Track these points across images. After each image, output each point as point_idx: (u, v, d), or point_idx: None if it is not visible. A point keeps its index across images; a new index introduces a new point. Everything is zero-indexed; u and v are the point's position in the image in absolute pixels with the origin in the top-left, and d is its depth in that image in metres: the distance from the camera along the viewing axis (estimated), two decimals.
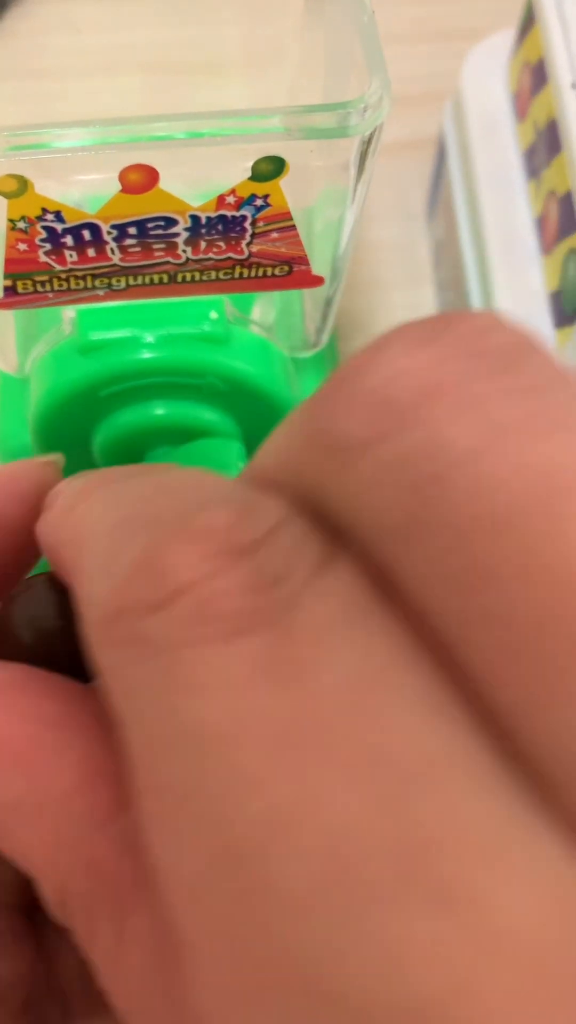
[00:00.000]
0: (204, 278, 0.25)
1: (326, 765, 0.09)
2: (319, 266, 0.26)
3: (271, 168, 0.22)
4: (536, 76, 0.36)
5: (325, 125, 0.22)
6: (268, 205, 0.23)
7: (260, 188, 0.23)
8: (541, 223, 0.35)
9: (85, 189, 0.23)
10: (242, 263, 0.25)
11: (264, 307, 0.29)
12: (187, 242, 0.24)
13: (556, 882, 0.09)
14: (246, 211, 0.23)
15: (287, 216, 0.23)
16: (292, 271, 0.26)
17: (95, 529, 0.13)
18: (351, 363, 0.12)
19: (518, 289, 0.34)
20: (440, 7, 0.49)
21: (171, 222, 0.23)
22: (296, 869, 0.09)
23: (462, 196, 0.39)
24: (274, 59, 0.32)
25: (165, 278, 0.25)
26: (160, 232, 0.23)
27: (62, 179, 0.23)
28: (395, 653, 0.10)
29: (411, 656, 0.10)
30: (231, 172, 0.23)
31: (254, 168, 0.22)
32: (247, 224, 0.24)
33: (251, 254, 0.25)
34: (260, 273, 0.26)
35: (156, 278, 0.25)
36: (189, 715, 0.10)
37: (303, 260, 0.25)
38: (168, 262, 0.25)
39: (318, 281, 0.26)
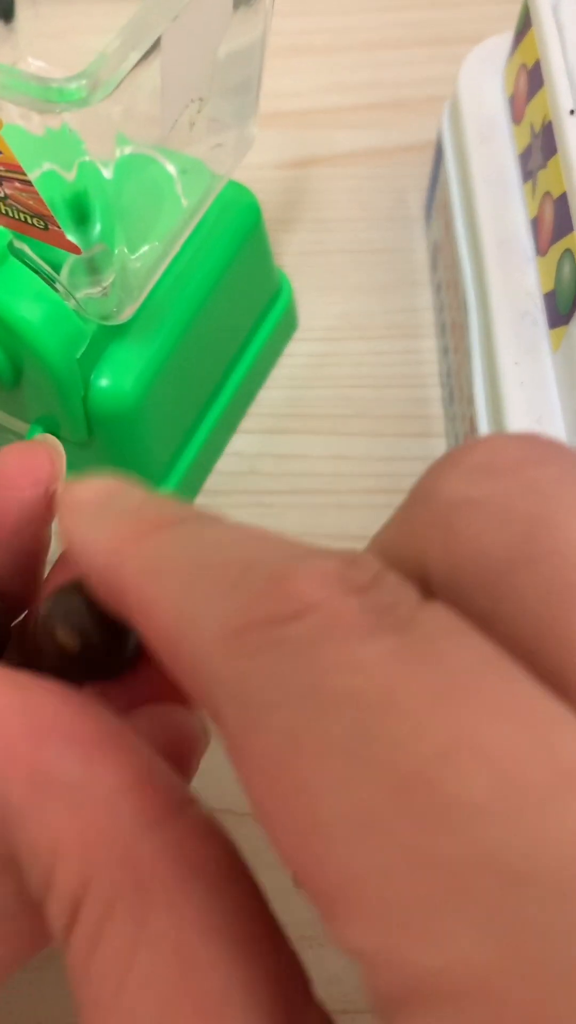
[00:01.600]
0: None
1: (477, 713, 0.12)
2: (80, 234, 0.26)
3: None
4: (532, 79, 0.34)
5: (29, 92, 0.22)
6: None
7: None
8: (537, 224, 0.34)
9: None
10: (2, 200, 0.26)
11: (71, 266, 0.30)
12: None
13: None
14: None
15: (18, 169, 0.24)
16: (48, 228, 0.26)
17: (184, 564, 0.14)
18: (452, 451, 0.15)
19: (514, 290, 0.34)
20: (438, 13, 0.47)
21: None
22: (473, 783, 0.11)
23: (459, 198, 0.38)
24: None
25: None
26: None
27: None
28: (501, 652, 0.13)
29: (512, 659, 0.13)
30: None
31: None
32: None
33: (7, 194, 0.25)
34: (21, 218, 0.26)
35: None
36: (349, 687, 0.12)
37: (53, 221, 0.25)
38: None
39: (73, 248, 0.26)
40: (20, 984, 0.31)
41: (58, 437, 0.21)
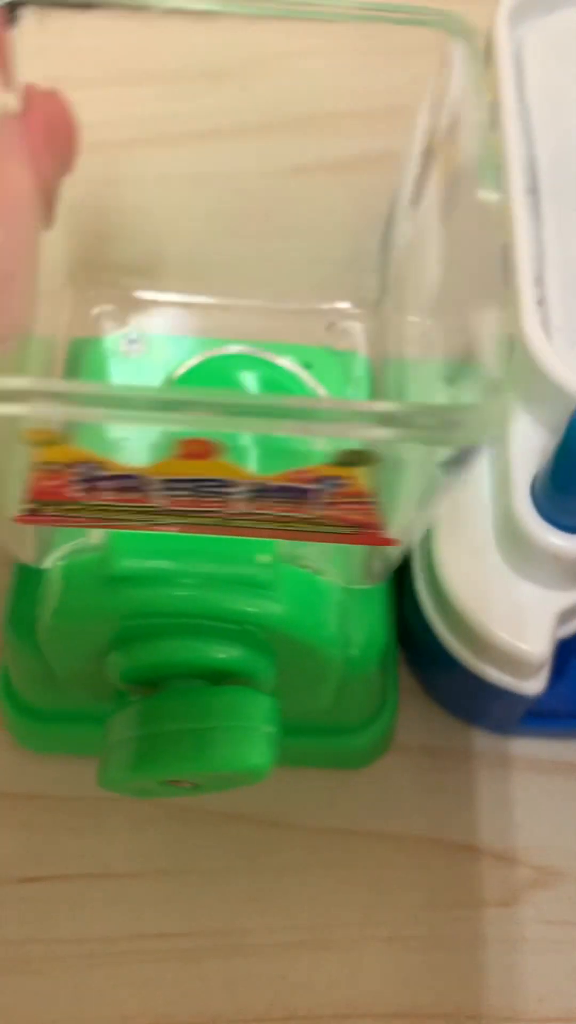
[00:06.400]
0: (259, 527, 0.22)
1: None
2: (393, 529, 0.23)
3: (359, 459, 0.19)
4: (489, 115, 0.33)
5: (428, 429, 0.18)
6: (347, 485, 0.20)
7: (342, 472, 0.19)
8: None
9: None
10: (305, 520, 0.22)
11: None
12: (248, 500, 0.21)
13: None
14: (322, 486, 0.20)
15: (368, 495, 0.20)
16: (359, 532, 0.22)
17: None
18: None
19: None
20: None
21: (229, 483, 0.20)
22: None
23: None
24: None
25: (217, 522, 0.22)
26: (215, 489, 0.20)
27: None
28: None
29: None
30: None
31: (340, 456, 0.19)
32: (322, 497, 0.20)
33: (319, 516, 0.22)
34: (324, 530, 0.22)
35: (206, 521, 0.22)
36: None
37: (375, 525, 0.22)
38: (221, 511, 0.21)
39: (389, 542, 0.23)
40: (26, 983, 0.32)
41: None
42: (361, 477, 0.19)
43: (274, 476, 0.20)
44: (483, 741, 0.35)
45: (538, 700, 0.32)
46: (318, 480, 0.20)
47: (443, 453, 0.19)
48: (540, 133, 0.32)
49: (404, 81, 0.24)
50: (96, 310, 0.30)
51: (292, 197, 0.28)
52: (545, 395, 0.29)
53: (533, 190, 0.31)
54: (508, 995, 0.32)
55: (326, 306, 0.31)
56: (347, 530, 0.22)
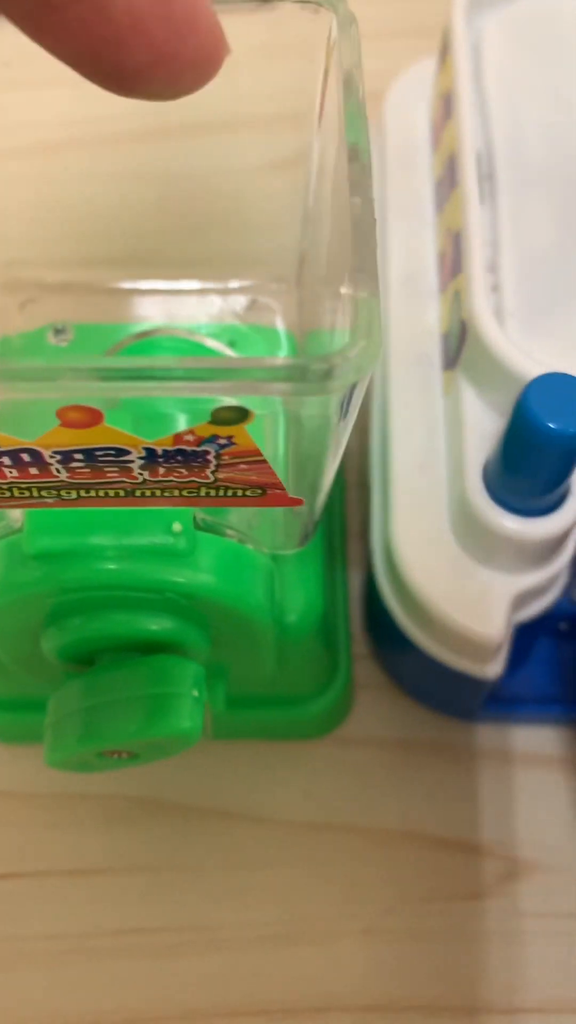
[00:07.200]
0: (166, 495, 0.23)
1: None
2: (300, 487, 0.23)
3: (233, 416, 0.19)
4: (447, 106, 0.33)
5: (296, 382, 0.18)
6: (233, 444, 0.20)
7: (222, 430, 0.20)
8: (442, 259, 0.33)
9: None
10: (208, 486, 0.22)
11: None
12: (143, 468, 0.21)
13: None
14: (208, 447, 0.20)
15: (256, 452, 0.21)
16: (266, 493, 0.23)
17: None
18: None
19: (413, 328, 0.33)
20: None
21: (122, 452, 0.20)
22: None
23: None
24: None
25: (122, 492, 0.22)
26: (111, 459, 0.21)
27: None
28: None
29: None
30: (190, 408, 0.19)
31: (213, 414, 0.19)
32: (210, 457, 0.21)
33: (218, 479, 0.22)
34: (229, 494, 0.23)
35: (112, 492, 0.22)
36: None
37: (278, 486, 0.22)
38: (123, 482, 0.22)
39: (296, 502, 0.23)
40: (37, 978, 0.32)
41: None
42: (242, 435, 0.20)
43: (160, 440, 0.20)
44: (459, 735, 0.35)
45: (502, 686, 0.32)
46: (203, 441, 0.20)
47: (319, 402, 0.19)
48: (497, 121, 0.33)
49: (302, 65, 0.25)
50: (20, 303, 0.31)
51: (215, 187, 0.29)
52: (498, 381, 0.29)
53: (489, 177, 0.32)
54: (482, 987, 0.32)
55: (249, 284, 0.31)
56: (252, 492, 0.23)
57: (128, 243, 0.30)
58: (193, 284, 0.30)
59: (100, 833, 0.34)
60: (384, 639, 0.35)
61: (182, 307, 0.31)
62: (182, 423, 0.20)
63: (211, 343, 0.28)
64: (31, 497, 0.22)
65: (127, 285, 0.31)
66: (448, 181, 0.33)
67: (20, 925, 0.33)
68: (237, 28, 0.23)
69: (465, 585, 0.29)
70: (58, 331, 0.29)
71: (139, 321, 0.30)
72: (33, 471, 0.21)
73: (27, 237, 0.30)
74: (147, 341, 0.28)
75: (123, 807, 0.34)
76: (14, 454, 0.20)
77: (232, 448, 0.20)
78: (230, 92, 0.25)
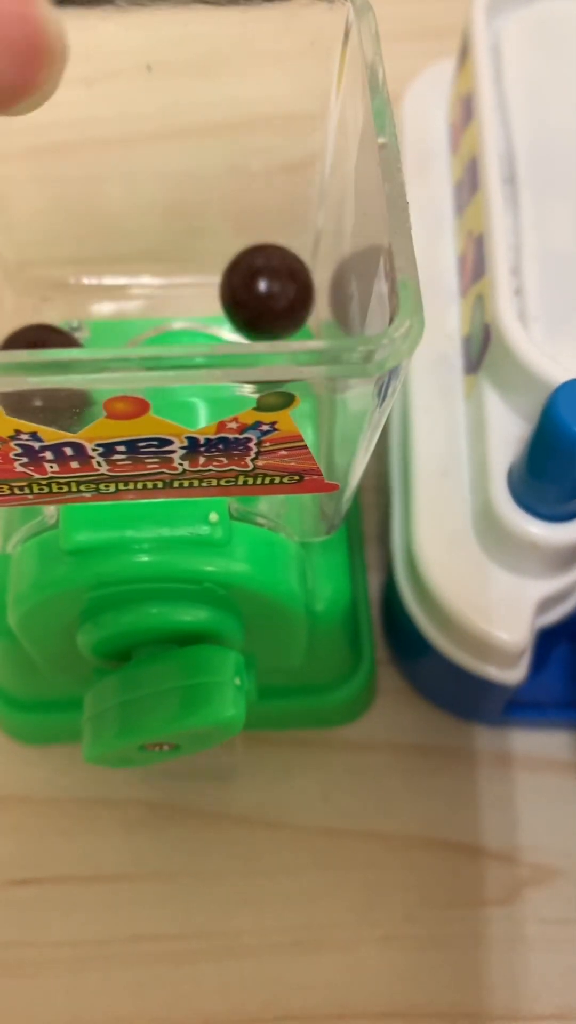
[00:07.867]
0: (204, 484, 0.23)
1: None
2: (334, 473, 0.23)
3: (279, 401, 0.19)
4: (467, 109, 0.33)
5: (341, 364, 0.18)
6: (275, 430, 0.20)
7: (266, 416, 0.20)
8: (462, 263, 0.33)
9: None
10: (246, 474, 0.22)
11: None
12: (184, 458, 0.21)
13: None
14: (250, 434, 0.20)
15: (297, 438, 0.21)
16: (303, 480, 0.23)
17: None
18: None
19: (434, 331, 0.32)
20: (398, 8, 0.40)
21: (165, 442, 0.20)
22: None
23: None
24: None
25: (160, 484, 0.23)
26: (152, 450, 0.21)
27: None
28: None
29: None
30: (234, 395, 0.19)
31: (259, 400, 0.19)
32: (252, 445, 0.21)
33: (257, 467, 0.22)
34: (267, 481, 0.23)
35: (150, 484, 0.23)
36: None
37: (315, 471, 0.23)
38: (163, 472, 0.22)
39: (332, 487, 0.24)
40: (19, 987, 0.32)
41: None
42: (285, 420, 0.20)
43: (204, 429, 0.20)
44: (476, 740, 0.35)
45: (523, 691, 0.32)
46: (246, 428, 0.20)
47: (360, 386, 0.19)
48: (519, 123, 0.33)
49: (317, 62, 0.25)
50: (37, 300, 0.31)
51: (226, 186, 0.29)
52: (522, 385, 0.29)
53: (511, 180, 0.32)
54: (504, 993, 0.32)
55: None
56: (288, 479, 0.23)
57: (140, 242, 0.31)
58: (206, 280, 0.29)
59: (118, 839, 0.34)
60: (404, 644, 0.35)
61: (196, 303, 0.31)
62: (203, 413, 0.20)
63: (228, 335, 0.28)
64: (69, 492, 0.22)
65: (141, 282, 0.32)
66: (468, 184, 0.33)
67: (39, 932, 0.32)
68: (252, 22, 0.23)
69: (489, 590, 0.29)
70: (74, 329, 0.30)
71: (153, 317, 0.30)
72: (74, 464, 0.21)
73: (42, 238, 0.30)
74: (165, 335, 0.28)
75: (141, 813, 0.34)
76: (57, 448, 0.20)
77: (274, 434, 0.20)
78: (242, 89, 0.25)
